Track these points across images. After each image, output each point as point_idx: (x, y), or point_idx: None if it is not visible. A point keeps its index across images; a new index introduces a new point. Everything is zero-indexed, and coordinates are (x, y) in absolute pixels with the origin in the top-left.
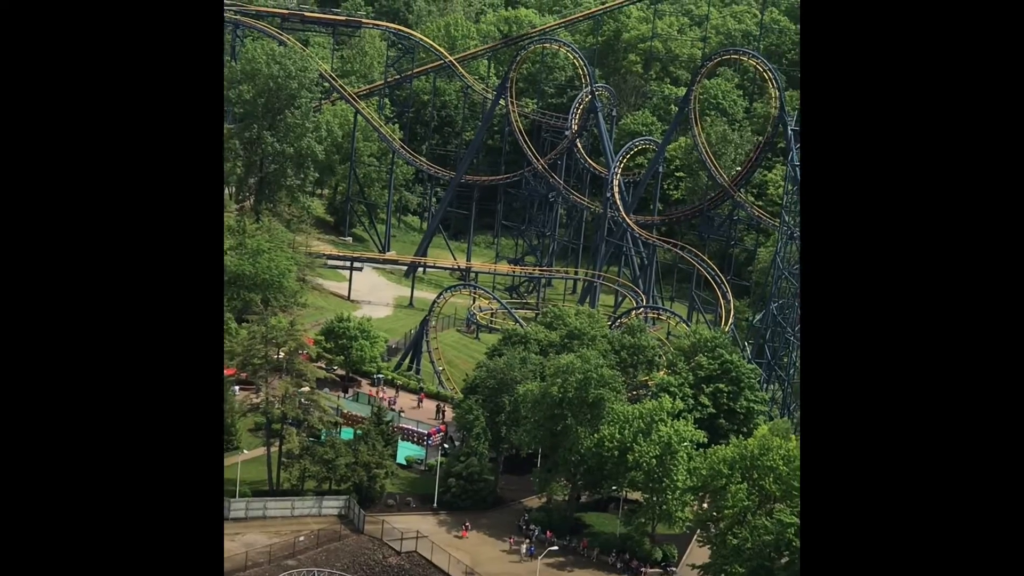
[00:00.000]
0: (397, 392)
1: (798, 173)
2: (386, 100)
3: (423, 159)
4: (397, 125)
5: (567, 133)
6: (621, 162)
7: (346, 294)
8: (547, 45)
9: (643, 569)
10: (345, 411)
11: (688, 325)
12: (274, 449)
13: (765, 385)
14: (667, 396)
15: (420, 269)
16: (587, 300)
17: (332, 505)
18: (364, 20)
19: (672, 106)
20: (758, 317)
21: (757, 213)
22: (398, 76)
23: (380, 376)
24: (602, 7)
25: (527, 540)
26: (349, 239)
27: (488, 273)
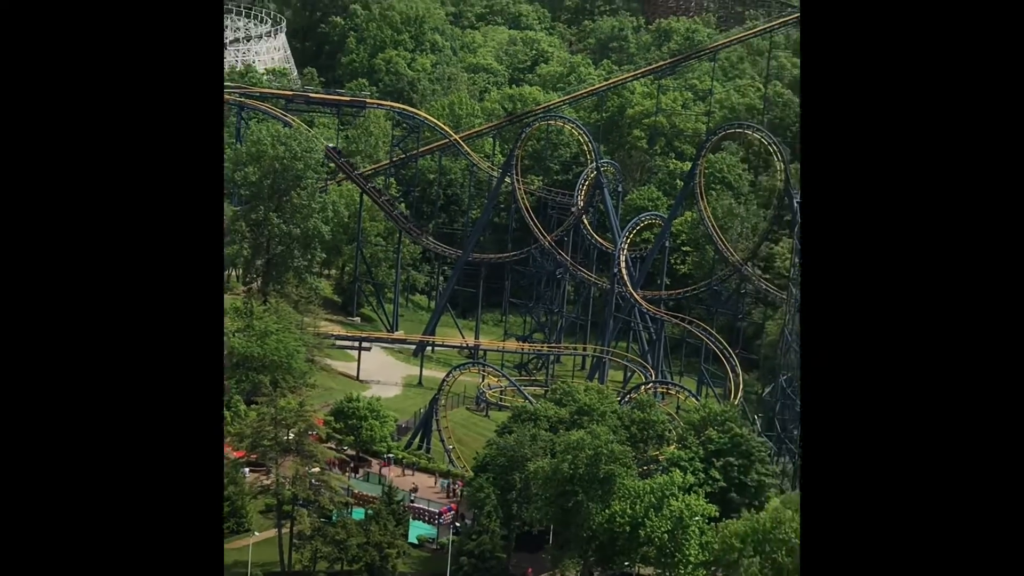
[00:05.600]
0: (408, 471)
1: None
2: (392, 180)
3: (430, 238)
4: (403, 204)
5: (573, 209)
6: (628, 237)
7: (355, 374)
8: (552, 122)
9: None
10: (356, 491)
11: (697, 399)
12: (285, 530)
13: (776, 458)
14: (678, 471)
15: (429, 348)
16: (596, 376)
17: None
18: (369, 100)
19: (677, 181)
20: (767, 390)
21: (764, 286)
22: (403, 155)
23: (391, 456)
24: (606, 83)
25: None
26: (357, 319)
27: (497, 351)
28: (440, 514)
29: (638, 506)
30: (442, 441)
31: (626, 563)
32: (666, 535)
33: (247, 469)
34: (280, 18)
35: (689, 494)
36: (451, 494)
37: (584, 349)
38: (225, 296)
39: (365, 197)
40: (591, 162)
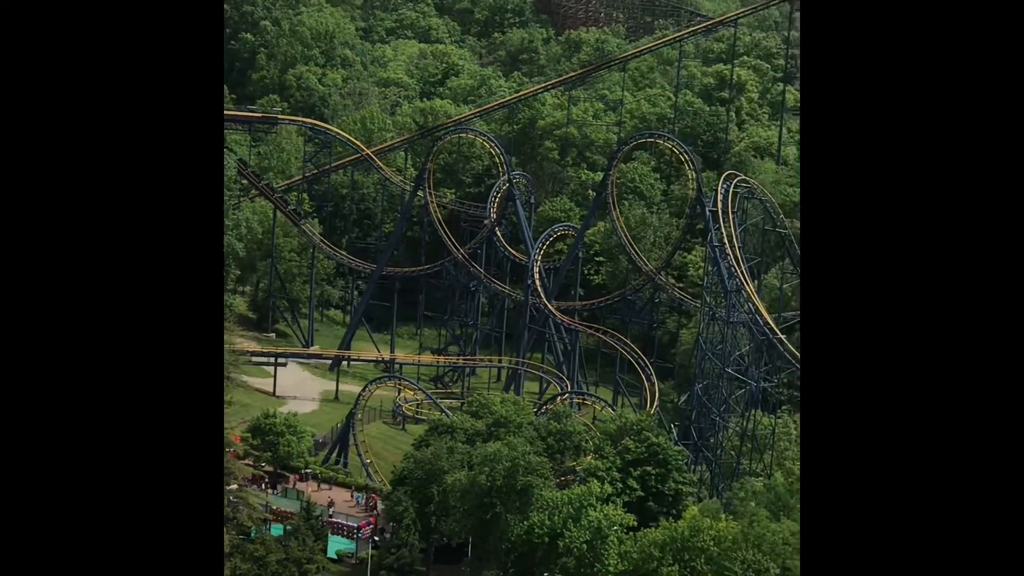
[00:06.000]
0: (324, 485)
1: (717, 254)
2: (304, 195)
3: (344, 253)
4: (316, 219)
5: (486, 222)
6: (541, 249)
7: (271, 390)
8: (463, 135)
9: None
10: (274, 507)
11: (613, 409)
12: None
13: (693, 466)
14: (595, 481)
15: (344, 362)
16: (512, 388)
17: None
18: (280, 116)
19: (589, 191)
20: (683, 399)
21: (679, 295)
22: (316, 170)
23: (309, 471)
24: (516, 95)
25: None
26: (272, 335)
27: (412, 364)
28: (359, 528)
29: (556, 517)
30: (359, 455)
31: (545, 574)
32: (585, 545)
33: None
34: None
35: (607, 504)
36: (368, 508)
37: (499, 361)
38: None
39: (278, 213)
40: (503, 174)
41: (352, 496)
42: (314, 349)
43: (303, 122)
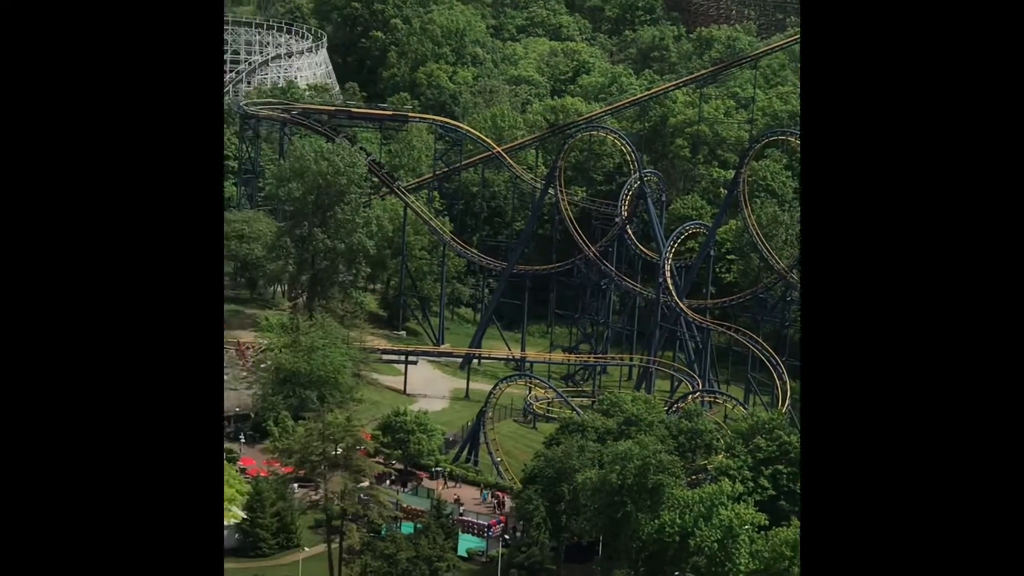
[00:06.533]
0: (451, 483)
1: None
2: (435, 193)
3: (474, 251)
4: (447, 217)
5: (617, 220)
6: (672, 247)
7: (402, 388)
8: (594, 133)
9: None
10: (405, 505)
11: (745, 408)
12: (335, 546)
13: None
14: (727, 480)
15: (475, 361)
16: (643, 386)
17: None
18: (411, 114)
19: (721, 189)
20: None
21: None
22: (446, 168)
23: (440, 469)
24: (648, 93)
25: None
26: (403, 333)
27: (543, 362)
28: (489, 527)
29: (687, 516)
30: (490, 454)
31: (676, 573)
32: (716, 544)
33: (296, 485)
34: (321, 34)
35: (738, 503)
36: (499, 506)
37: (631, 359)
38: (271, 312)
39: (409, 211)
40: (634, 172)
41: (481, 494)
42: (445, 347)
43: (434, 120)
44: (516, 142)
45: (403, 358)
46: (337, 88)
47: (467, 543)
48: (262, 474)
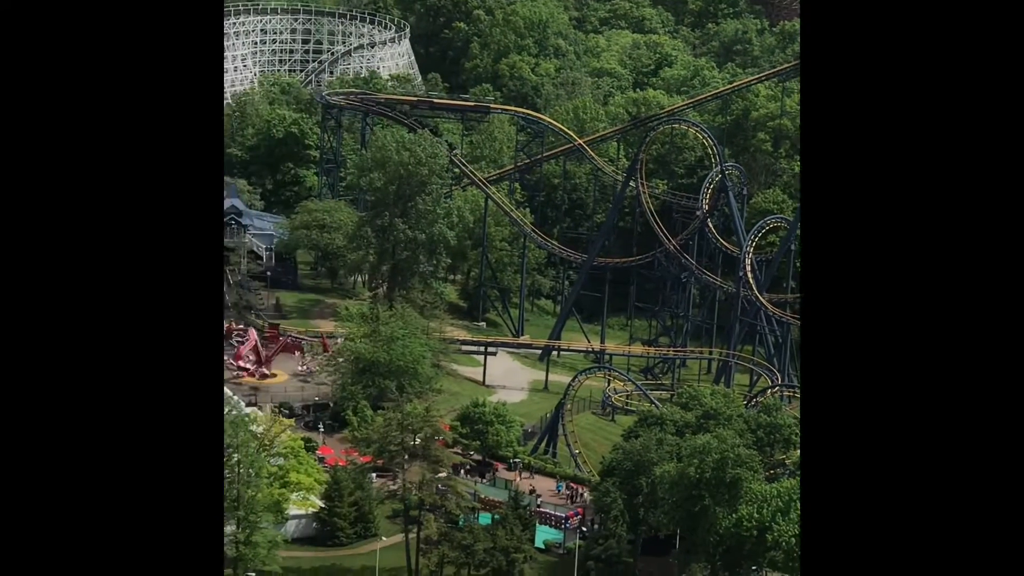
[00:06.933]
0: (526, 475)
1: None
2: (516, 184)
3: (555, 243)
4: (528, 209)
5: (698, 213)
6: (753, 241)
7: (481, 379)
8: (676, 126)
9: None
10: (482, 496)
11: None
12: (412, 536)
13: None
14: None
15: (554, 352)
16: (722, 380)
17: None
18: (493, 105)
19: None
20: None
21: None
22: (528, 160)
23: (518, 460)
24: (730, 86)
25: None
26: (483, 324)
27: (622, 355)
28: (567, 518)
29: (765, 510)
30: (568, 446)
31: (754, 567)
32: (794, 539)
33: (374, 474)
34: (404, 24)
35: None
36: (575, 498)
37: (710, 353)
38: (351, 302)
39: (490, 202)
40: (716, 165)
41: (556, 485)
42: (524, 339)
43: (515, 111)
44: (598, 134)
45: (482, 349)
46: (419, 79)
47: (544, 535)
48: (340, 463)
